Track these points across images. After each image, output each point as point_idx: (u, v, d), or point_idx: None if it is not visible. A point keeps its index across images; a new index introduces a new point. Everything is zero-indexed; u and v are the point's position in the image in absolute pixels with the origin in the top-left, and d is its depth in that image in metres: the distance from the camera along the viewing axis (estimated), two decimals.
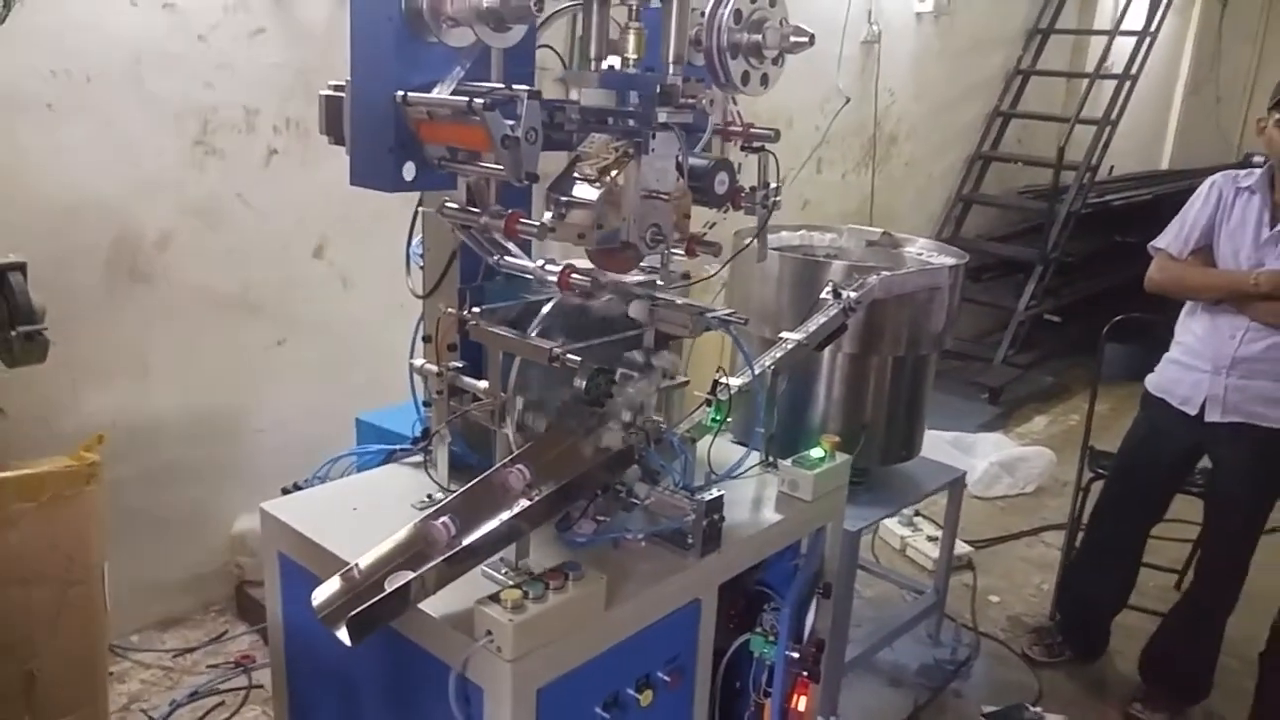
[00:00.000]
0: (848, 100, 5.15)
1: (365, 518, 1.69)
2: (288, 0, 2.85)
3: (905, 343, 2.64)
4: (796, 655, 1.78)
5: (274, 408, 3.13)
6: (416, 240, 1.89)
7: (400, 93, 1.38)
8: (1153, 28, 6.62)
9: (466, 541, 1.36)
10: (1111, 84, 6.56)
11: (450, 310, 1.67)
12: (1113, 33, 6.78)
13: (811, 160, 5.24)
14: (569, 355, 1.45)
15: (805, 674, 1.89)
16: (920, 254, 2.89)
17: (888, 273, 2.38)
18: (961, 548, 3.88)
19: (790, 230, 3.03)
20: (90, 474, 2.17)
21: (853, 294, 2.19)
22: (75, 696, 2.14)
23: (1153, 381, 2.90)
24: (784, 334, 2.09)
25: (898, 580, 3.45)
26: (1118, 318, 3.40)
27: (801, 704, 1.90)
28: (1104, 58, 6.69)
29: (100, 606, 2.20)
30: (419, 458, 1.91)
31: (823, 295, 2.20)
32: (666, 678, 1.59)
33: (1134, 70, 6.59)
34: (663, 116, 1.47)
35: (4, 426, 2.27)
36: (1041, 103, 6.85)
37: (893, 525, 3.97)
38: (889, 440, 2.74)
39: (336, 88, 1.48)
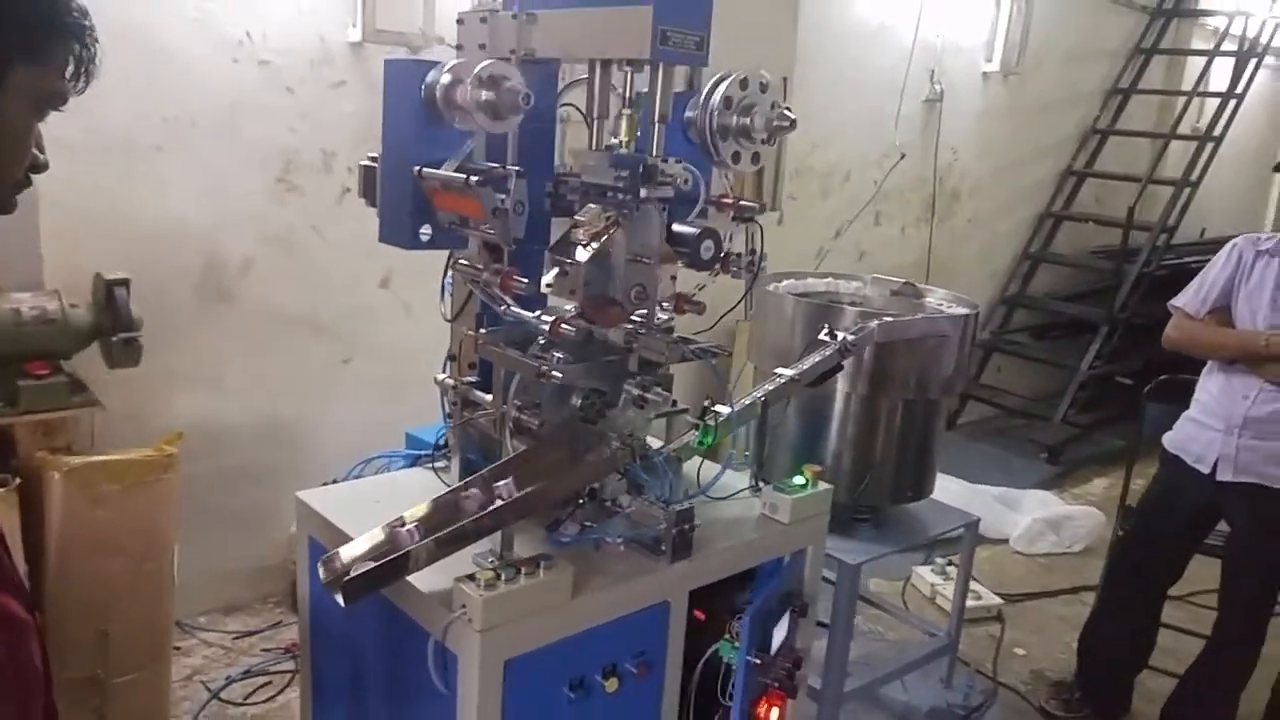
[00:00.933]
0: (902, 156, 5.30)
1: (384, 511, 1.92)
2: (364, 57, 3.21)
3: (914, 386, 2.79)
4: (759, 663, 1.94)
5: (336, 420, 3.45)
6: (450, 274, 2.16)
7: (418, 167, 1.65)
8: (1238, 90, 6.58)
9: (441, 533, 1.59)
10: (1207, 145, 6.52)
11: (469, 332, 1.92)
12: (1192, 94, 6.74)
13: (869, 213, 5.40)
14: (554, 372, 1.67)
15: (777, 686, 2.04)
16: (940, 305, 3.03)
17: (889, 318, 2.54)
18: (992, 599, 3.95)
19: (817, 278, 3.21)
20: (168, 464, 2.48)
21: (849, 336, 2.36)
22: (142, 658, 2.44)
23: (1170, 439, 2.97)
24: (778, 370, 2.28)
25: (919, 625, 3.53)
26: (1161, 377, 3.45)
27: (774, 715, 2.06)
28: (1179, 120, 6.67)
29: (168, 582, 2.50)
30: (442, 463, 2.15)
31: (820, 336, 2.38)
32: (634, 669, 1.78)
33: (1217, 132, 6.56)
34: (644, 192, 1.68)
35: (101, 419, 2.62)
36: (1125, 163, 6.82)
37: (924, 573, 4.06)
38: (898, 480, 2.87)
39: (371, 159, 1.76)
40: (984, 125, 6.04)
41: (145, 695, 2.48)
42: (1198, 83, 6.77)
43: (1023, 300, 6.75)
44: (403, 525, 1.64)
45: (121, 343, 2.63)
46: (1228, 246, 2.86)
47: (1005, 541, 4.60)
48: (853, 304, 3.06)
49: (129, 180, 2.92)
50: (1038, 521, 4.67)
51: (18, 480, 2.35)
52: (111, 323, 2.63)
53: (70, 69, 1.01)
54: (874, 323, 2.48)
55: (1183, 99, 6.74)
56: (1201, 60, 6.86)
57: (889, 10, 5.15)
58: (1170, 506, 2.95)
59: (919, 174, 5.66)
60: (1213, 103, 6.71)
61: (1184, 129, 6.71)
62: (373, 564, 1.54)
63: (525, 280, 1.70)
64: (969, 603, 3.75)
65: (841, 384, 2.76)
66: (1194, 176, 6.51)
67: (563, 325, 1.71)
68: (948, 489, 4.28)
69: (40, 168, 1.06)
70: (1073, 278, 6.98)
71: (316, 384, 3.44)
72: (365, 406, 3.45)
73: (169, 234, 3.03)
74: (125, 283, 2.66)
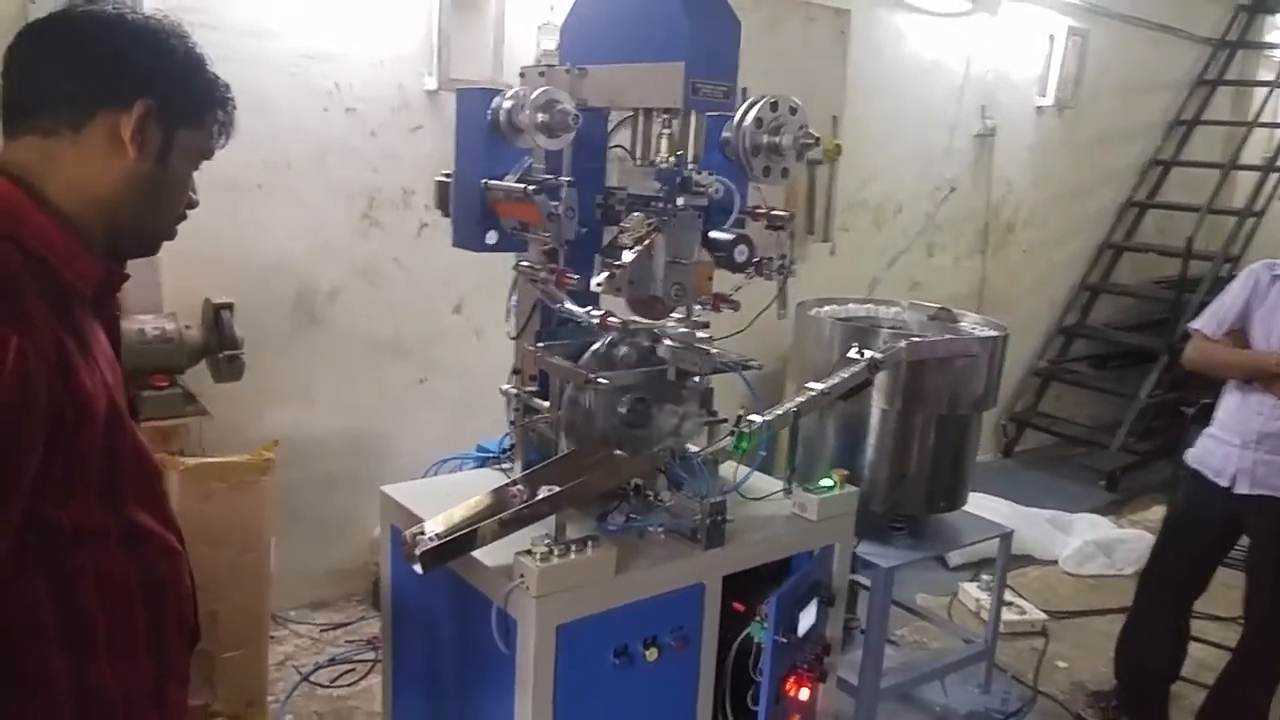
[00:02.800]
0: (952, 189, 5.47)
1: (456, 502, 2.17)
2: (439, 103, 3.55)
3: (946, 403, 2.97)
4: (785, 642, 2.14)
5: (414, 435, 3.76)
6: (515, 296, 2.43)
7: (484, 180, 1.94)
8: None
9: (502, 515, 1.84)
10: (1271, 175, 6.55)
11: (530, 348, 2.19)
12: (1252, 124, 6.80)
13: (921, 245, 5.58)
14: (599, 379, 1.93)
15: (806, 668, 2.25)
16: (973, 328, 3.21)
17: (916, 339, 2.74)
18: (1036, 614, 4.05)
19: (858, 303, 3.42)
20: (265, 468, 2.79)
21: (877, 354, 2.57)
22: (243, 638, 2.75)
23: (1191, 455, 3.09)
24: (810, 384, 2.49)
25: (959, 634, 3.67)
26: (1203, 402, 3.56)
27: (803, 694, 2.26)
28: (1239, 150, 6.70)
29: (265, 572, 2.81)
30: (508, 464, 2.42)
31: (850, 354, 2.59)
32: (672, 642, 2.00)
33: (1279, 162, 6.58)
34: (681, 201, 1.94)
35: (209, 426, 2.96)
36: (1193, 193, 6.84)
37: (970, 589, 4.18)
38: (932, 491, 3.04)
39: (445, 175, 2.06)
40: (1038, 158, 6.17)
41: (247, 671, 2.78)
42: (1258, 113, 6.81)
43: (1081, 330, 6.81)
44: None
45: (226, 360, 2.97)
46: (1244, 272, 3.00)
47: (1055, 563, 4.68)
48: (893, 328, 3.26)
49: (234, 217, 3.28)
50: (1088, 543, 4.74)
51: None
52: (218, 342, 2.97)
53: (217, 129, 1.32)
54: (902, 342, 2.68)
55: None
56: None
57: (940, 49, 5.35)
58: (1194, 520, 3.07)
59: (972, 206, 5.82)
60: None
61: (1254, 159, 6.72)
62: (444, 539, 1.81)
63: (577, 276, 1.96)
64: (1013, 616, 3.91)
65: (878, 400, 2.96)
66: (1259, 206, 6.52)
67: (610, 319, 1.97)
68: (997, 510, 4.42)
69: (193, 205, 1.37)
70: (1136, 308, 7.00)
71: (396, 401, 3.76)
72: (440, 421, 3.76)
73: (268, 264, 3.39)
74: (230, 307, 3.01)
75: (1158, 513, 5.87)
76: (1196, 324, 3.06)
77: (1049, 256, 6.50)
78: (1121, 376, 6.80)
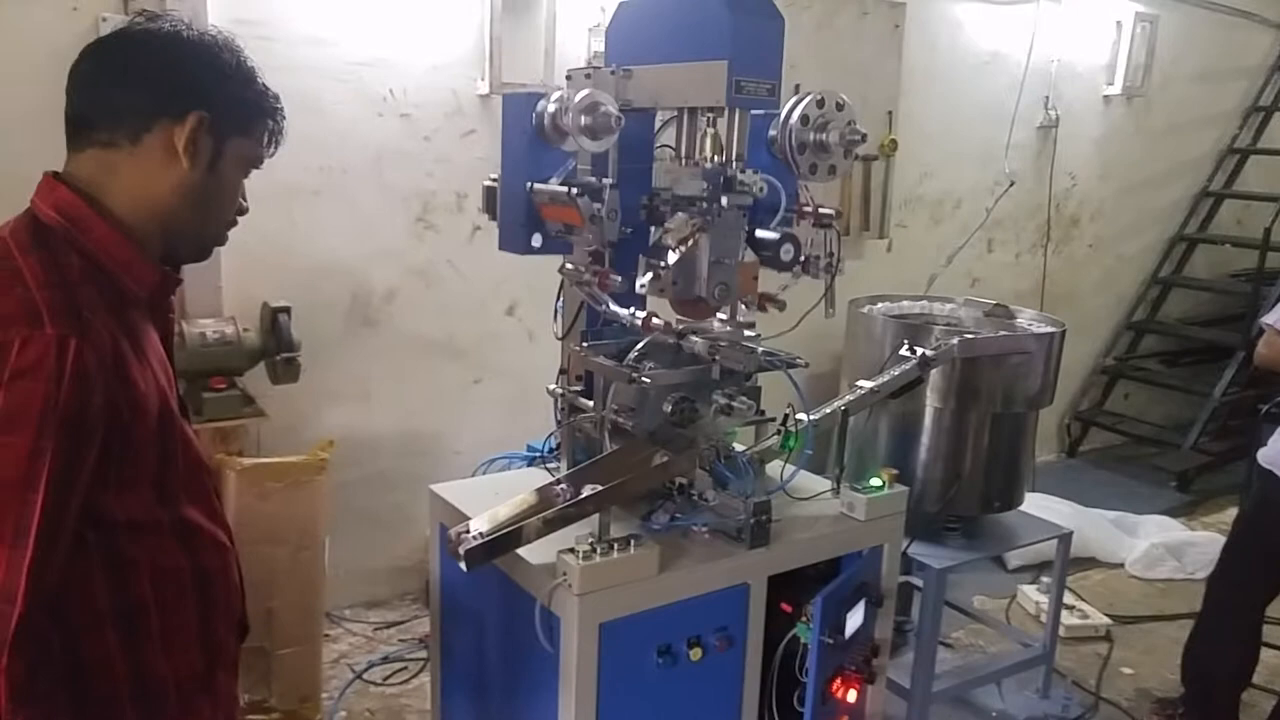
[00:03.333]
0: (1011, 184, 5.35)
1: (502, 501, 2.21)
2: (492, 108, 3.58)
3: (1001, 400, 2.91)
4: (831, 643, 2.11)
5: (468, 434, 3.80)
6: (562, 298, 2.45)
7: (530, 183, 1.95)
8: None
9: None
10: None
11: (575, 348, 2.20)
12: None
13: (981, 240, 5.47)
14: (642, 377, 1.93)
15: (853, 669, 2.22)
16: (1029, 324, 3.14)
17: (969, 336, 2.69)
18: (1100, 619, 3.94)
19: (912, 299, 3.37)
20: (320, 467, 2.85)
21: (929, 351, 2.52)
22: (299, 634, 2.81)
23: (1264, 454, 2.98)
24: (859, 381, 2.46)
25: (1016, 637, 3.59)
26: (1278, 399, 3.44)
27: (851, 696, 2.23)
28: None
29: (320, 569, 2.86)
30: (554, 463, 2.43)
31: (901, 352, 2.55)
32: (716, 643, 1.99)
33: None
34: (725, 201, 1.93)
35: (266, 427, 3.04)
36: (1269, 182, 6.58)
37: (1030, 592, 4.08)
38: (987, 490, 2.99)
39: (492, 180, 2.08)
40: (1105, 149, 6.00)
41: (301, 667, 2.84)
42: None
43: (1152, 325, 6.61)
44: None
45: (283, 362, 3.04)
46: None
47: (1121, 566, 4.55)
48: (946, 325, 3.20)
49: (291, 222, 3.36)
50: (1156, 546, 4.59)
51: None
52: (275, 344, 3.05)
53: (267, 138, 1.35)
54: (954, 339, 2.64)
55: None
56: None
57: (1000, 39, 5.24)
58: (1267, 522, 2.96)
59: (1033, 200, 5.68)
60: None
61: None
62: (489, 537, 1.82)
63: (619, 278, 1.96)
64: (1075, 620, 3.81)
65: (931, 399, 2.91)
66: None
67: (653, 320, 1.97)
68: (1058, 511, 4.31)
69: (243, 211, 1.42)
70: (1211, 302, 6.77)
71: (450, 401, 3.81)
72: (492, 422, 3.79)
73: (324, 268, 3.46)
74: (287, 310, 3.08)
75: (1232, 515, 5.62)
76: (1269, 319, 2.95)
77: (1117, 250, 6.32)
78: (1195, 373, 6.58)
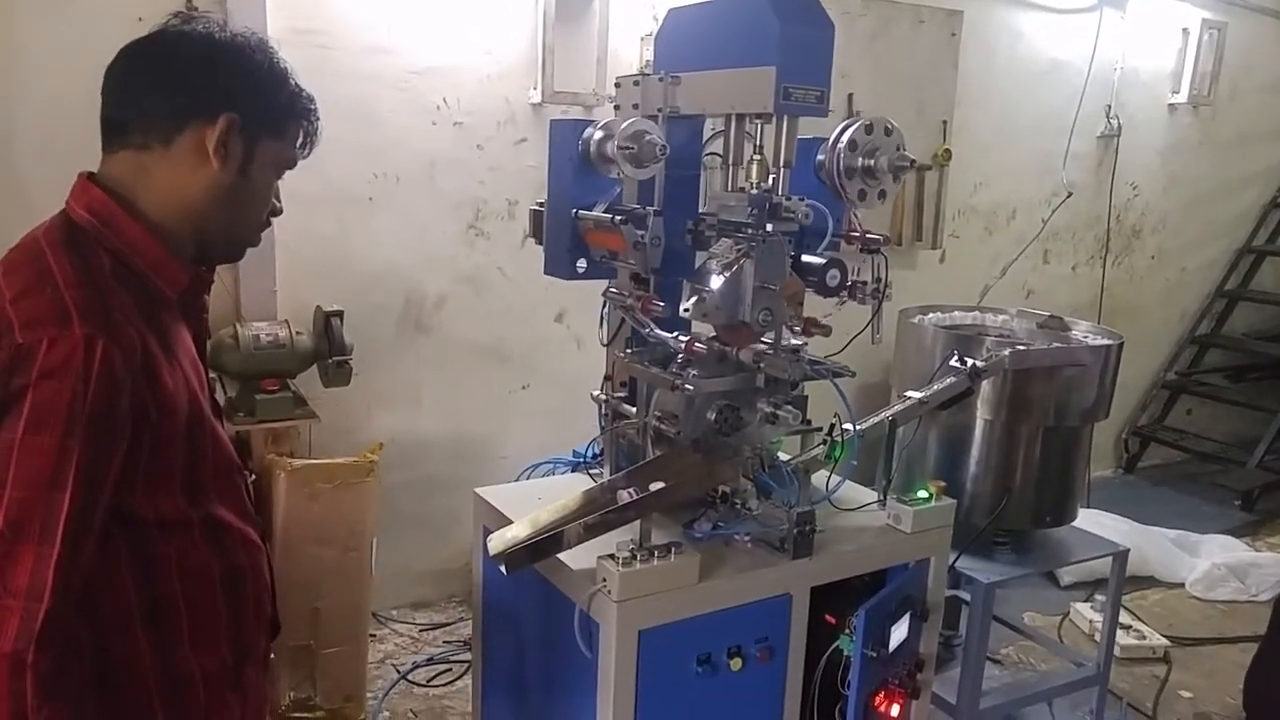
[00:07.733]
0: (1069, 194, 5.25)
1: (545, 505, 2.22)
2: (543, 116, 3.61)
3: (1054, 414, 2.84)
4: (874, 656, 2.08)
5: (515, 439, 3.83)
6: (606, 306, 2.46)
7: (575, 210, 1.96)
8: None
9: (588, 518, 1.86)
10: None
11: (619, 355, 2.21)
12: None
13: (1037, 252, 5.37)
14: (686, 385, 1.92)
15: (897, 683, 2.18)
16: (1084, 337, 3.07)
17: (1021, 347, 2.63)
18: (1158, 640, 3.84)
19: (964, 310, 3.31)
20: (369, 470, 2.89)
21: (978, 363, 2.48)
22: (344, 634, 2.85)
23: None
24: (908, 392, 2.43)
25: (1069, 656, 3.50)
26: None
27: (894, 710, 2.20)
28: None
29: (367, 570, 2.90)
30: (597, 469, 2.44)
31: (951, 363, 2.51)
32: (757, 653, 1.98)
33: None
34: (770, 226, 1.92)
35: (317, 429, 3.09)
36: None
37: (1084, 609, 3.99)
38: (1038, 505, 2.92)
39: (540, 205, 2.10)
40: (1170, 159, 5.86)
41: (347, 667, 2.88)
42: None
43: (1216, 340, 6.43)
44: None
45: (335, 365, 3.09)
46: None
47: (1181, 586, 4.42)
48: (998, 336, 3.14)
49: (345, 228, 3.42)
50: (1218, 566, 4.45)
51: (253, 476, 2.81)
52: (328, 348, 3.10)
53: (300, 140, 1.37)
54: (1005, 351, 2.59)
55: None
56: None
57: (1061, 47, 5.14)
58: None
59: (1092, 211, 5.57)
60: None
61: None
62: (529, 541, 1.83)
63: (662, 304, 1.96)
64: (1131, 641, 3.71)
65: (981, 411, 2.85)
66: None
67: (696, 344, 1.97)
68: (1115, 528, 4.21)
69: (276, 213, 1.44)
70: (1278, 316, 6.58)
71: (498, 406, 3.84)
72: (540, 427, 3.81)
73: (377, 273, 3.52)
74: (340, 314, 3.13)
75: None
76: None
77: (1181, 263, 6.15)
78: (1261, 389, 6.38)
